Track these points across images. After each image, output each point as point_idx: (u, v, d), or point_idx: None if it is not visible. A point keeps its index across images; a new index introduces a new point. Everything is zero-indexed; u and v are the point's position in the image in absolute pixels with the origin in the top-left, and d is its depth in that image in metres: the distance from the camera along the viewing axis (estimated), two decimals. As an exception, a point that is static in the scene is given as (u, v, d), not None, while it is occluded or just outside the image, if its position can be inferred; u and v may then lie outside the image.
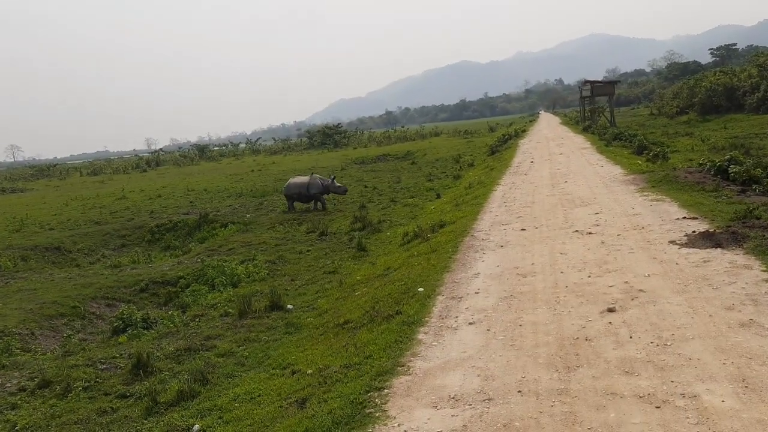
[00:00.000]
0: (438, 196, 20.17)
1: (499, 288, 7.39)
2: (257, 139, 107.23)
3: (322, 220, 17.52)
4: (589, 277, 7.32)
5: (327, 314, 8.70)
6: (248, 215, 20.40)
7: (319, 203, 20.58)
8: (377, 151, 48.01)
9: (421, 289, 7.84)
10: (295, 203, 20.74)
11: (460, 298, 7.24)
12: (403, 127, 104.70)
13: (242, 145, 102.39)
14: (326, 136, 72.84)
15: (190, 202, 25.51)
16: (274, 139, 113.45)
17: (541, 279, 7.52)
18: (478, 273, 8.21)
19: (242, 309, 9.39)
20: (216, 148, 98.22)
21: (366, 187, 25.59)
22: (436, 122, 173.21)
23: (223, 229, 18.63)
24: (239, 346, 8.00)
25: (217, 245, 15.83)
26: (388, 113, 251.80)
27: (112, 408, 6.73)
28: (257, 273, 12.46)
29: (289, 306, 9.56)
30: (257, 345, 7.96)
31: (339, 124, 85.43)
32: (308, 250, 14.11)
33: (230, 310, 9.76)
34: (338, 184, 21.17)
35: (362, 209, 18.59)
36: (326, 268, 12.17)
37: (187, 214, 21.96)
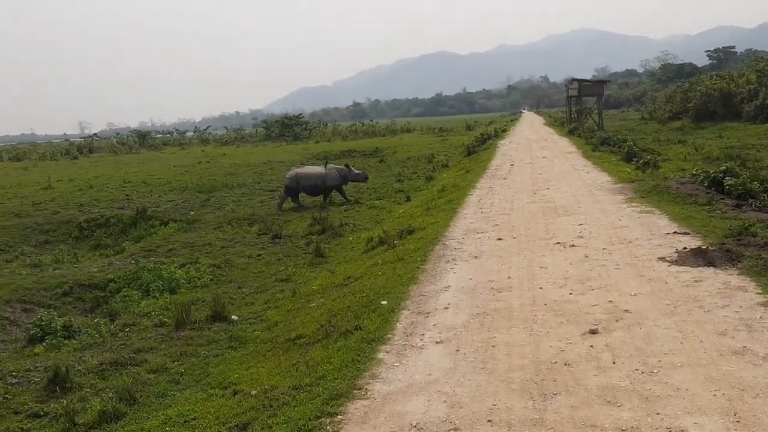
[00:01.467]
0: (408, 199, 20.18)
1: (471, 303, 7.37)
2: (207, 128, 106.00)
3: (276, 221, 17.36)
4: (571, 294, 7.35)
5: (277, 328, 8.59)
6: (192, 212, 20.13)
7: (329, 196, 20.69)
8: (342, 146, 47.88)
9: (384, 302, 7.79)
10: (289, 196, 20.50)
11: (428, 313, 7.20)
12: (371, 120, 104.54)
13: (189, 134, 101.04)
14: (285, 127, 72.38)
15: (126, 195, 25.04)
16: (227, 129, 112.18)
17: (517, 295, 7.52)
18: (449, 286, 8.19)
19: (180, 319, 9.20)
20: (159, 136, 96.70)
21: (327, 185, 25.36)
22: (409, 117, 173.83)
23: (162, 227, 18.31)
24: (174, 362, 7.83)
25: (154, 245, 15.55)
26: (356, 105, 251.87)
27: (22, 429, 6.48)
28: (199, 278, 12.26)
29: (234, 317, 9.42)
30: (195, 360, 7.81)
31: (300, 114, 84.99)
32: (259, 255, 13.96)
33: (166, 320, 9.56)
34: (356, 171, 21.21)
35: (323, 210, 18.49)
36: (279, 276, 12.05)
37: (122, 208, 21.53)
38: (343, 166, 21.31)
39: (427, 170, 28.32)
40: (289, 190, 20.49)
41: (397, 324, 6.94)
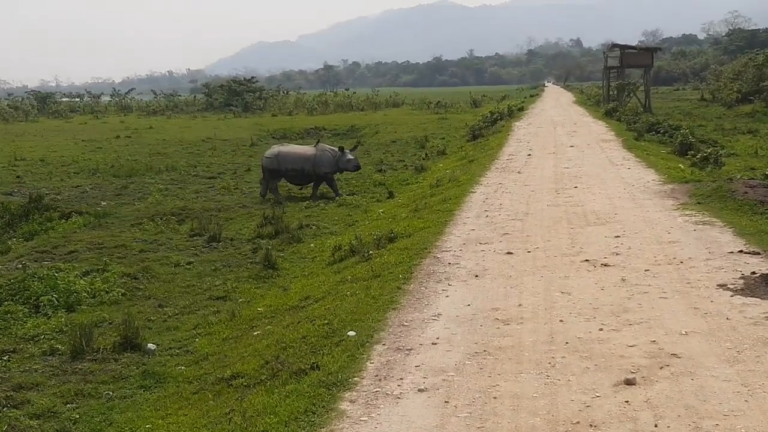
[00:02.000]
0: (390, 196, 20.12)
1: (467, 339, 7.29)
2: (129, 91, 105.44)
3: (213, 219, 17.23)
4: (601, 330, 7.29)
5: (207, 362, 8.50)
6: (104, 203, 20.00)
7: (319, 187, 20.77)
8: (307, 122, 47.87)
9: (351, 333, 7.72)
10: (267, 183, 20.59)
11: (409, 350, 7.12)
12: (347, 90, 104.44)
13: (106, 98, 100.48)
14: (233, 94, 72.20)
15: (17, 177, 24.85)
16: (155, 93, 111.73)
17: (530, 329, 7.46)
18: (439, 314, 8.12)
19: (78, 345, 9.07)
20: (65, 100, 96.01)
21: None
22: (397, 87, 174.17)
23: (63, 221, 18.12)
24: (66, 404, 7.71)
25: (50, 245, 15.36)
26: (328, 68, 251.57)
27: None
28: (107, 292, 12.07)
29: (151, 345, 9.32)
30: (94, 403, 7.69)
31: (253, 77, 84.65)
32: (189, 263, 13.85)
33: (59, 347, 9.41)
34: (349, 156, 21.02)
35: (277, 207, 18.38)
36: (213, 292, 11.96)
37: (10, 194, 21.33)
38: (336, 149, 21.21)
39: (418, 158, 28.30)
40: (268, 173, 20.53)
41: (368, 363, 6.85)
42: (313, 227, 16.53)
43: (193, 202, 20.05)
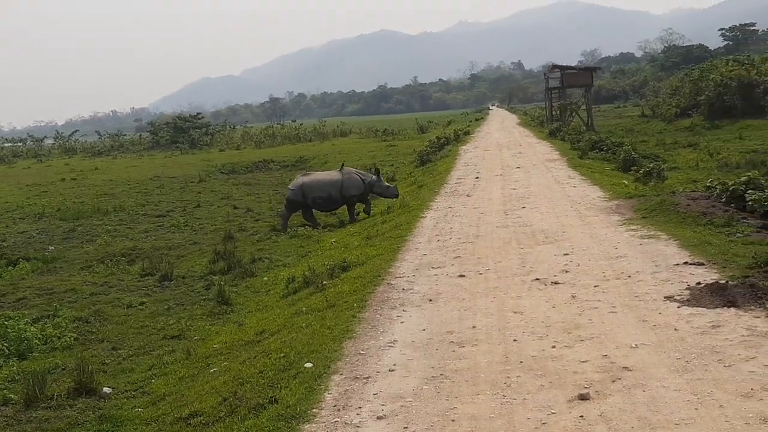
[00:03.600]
0: (342, 224, 20.12)
1: (424, 363, 7.32)
2: (72, 133, 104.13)
3: (166, 257, 17.07)
4: (554, 347, 7.37)
5: (164, 402, 8.38)
6: (51, 247, 19.69)
7: (354, 213, 20.89)
8: (256, 156, 47.74)
9: (309, 365, 7.69)
10: (293, 213, 20.68)
11: (367, 378, 7.12)
12: (294, 121, 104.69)
13: (49, 141, 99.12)
14: (179, 131, 71.81)
15: (-39, 225, 24.28)
16: (100, 134, 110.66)
17: (485, 350, 7.51)
18: (395, 340, 8.13)
19: (31, 393, 8.87)
20: (8, 145, 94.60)
21: (236, 208, 25.34)
22: (344, 116, 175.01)
23: (10, 268, 17.79)
24: (22, 454, 7.53)
25: (-2, 293, 15.07)
26: (274, 101, 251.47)
27: None
28: (59, 337, 11.86)
29: (107, 389, 9.16)
30: (51, 451, 7.52)
31: (199, 113, 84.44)
32: (142, 303, 13.66)
33: (12, 396, 9.21)
34: (386, 184, 21.20)
35: (228, 242, 18.26)
36: (168, 331, 11.79)
37: (-45, 243, 20.85)
38: (366, 172, 21.52)
39: (367, 186, 28.30)
40: (293, 205, 20.53)
41: (326, 394, 6.84)
42: (266, 260, 16.42)
43: (143, 242, 19.83)
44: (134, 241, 20.05)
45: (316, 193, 20.36)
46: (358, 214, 20.99)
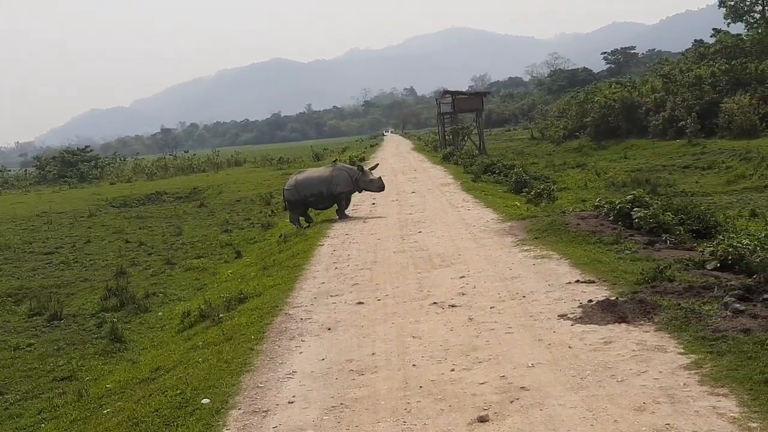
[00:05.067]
0: (238, 255, 19.98)
1: (323, 393, 7.26)
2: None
3: (53, 296, 16.54)
4: (453, 371, 7.41)
5: (55, 448, 8.05)
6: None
7: (344, 210, 20.72)
8: (148, 188, 46.90)
9: (205, 401, 7.54)
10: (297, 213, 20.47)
11: (266, 411, 7.01)
12: (187, 152, 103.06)
13: None
14: (67, 165, 70.00)
15: None
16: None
17: (385, 377, 7.50)
18: (294, 371, 8.05)
19: None
20: None
21: (128, 242, 24.79)
22: (237, 146, 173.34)
23: None
24: None
25: None
26: (165, 132, 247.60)
27: None
28: (-60, 385, 11.36)
29: (-7, 438, 8.78)
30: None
31: (88, 146, 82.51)
32: (30, 344, 13.30)
33: None
34: (371, 177, 20.79)
35: (120, 277, 17.86)
36: (58, 372, 11.52)
37: None
38: (354, 167, 21.18)
39: (263, 215, 28.23)
40: (292, 204, 20.53)
41: (224, 430, 6.72)
42: (161, 295, 16.23)
43: (31, 281, 19.16)
44: (21, 280, 19.35)
45: (309, 191, 20.39)
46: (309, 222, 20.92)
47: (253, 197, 35.81)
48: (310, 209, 21.18)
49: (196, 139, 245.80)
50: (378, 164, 21.62)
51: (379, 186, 20.97)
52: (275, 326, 10.07)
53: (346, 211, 20.99)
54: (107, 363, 11.65)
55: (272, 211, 28.95)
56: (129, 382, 9.80)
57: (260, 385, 7.78)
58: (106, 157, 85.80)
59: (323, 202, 20.81)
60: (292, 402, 7.15)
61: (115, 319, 13.83)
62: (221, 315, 11.58)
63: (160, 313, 14.48)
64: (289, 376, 7.93)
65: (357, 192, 21.16)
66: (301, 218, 20.88)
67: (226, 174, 56.59)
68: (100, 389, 9.96)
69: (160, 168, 70.98)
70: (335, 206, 21.07)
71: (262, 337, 9.59)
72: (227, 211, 31.51)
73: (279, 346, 9.08)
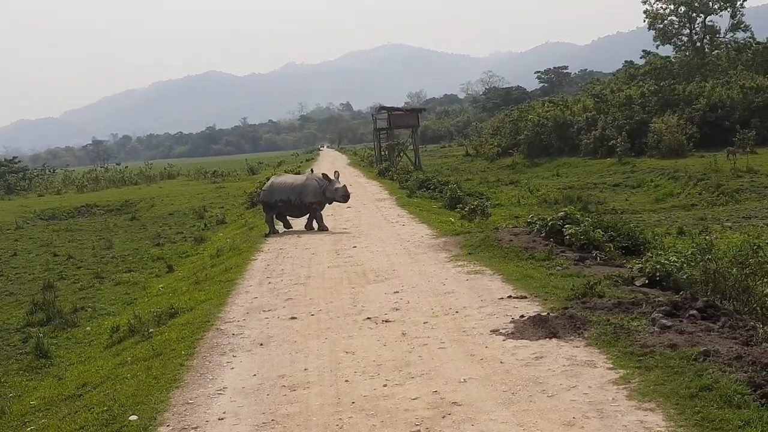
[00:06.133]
0: (170, 269, 19.68)
1: (255, 410, 7.18)
2: None
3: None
4: (385, 386, 7.40)
5: (-25, 468, 7.81)
6: None
7: (312, 221, 20.31)
8: (78, 200, 46.01)
9: (134, 418, 7.39)
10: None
11: (196, 428, 6.91)
12: (119, 164, 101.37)
13: None
14: (-6, 177, 68.20)
15: None
16: None
17: (317, 392, 7.45)
18: (225, 387, 7.95)
19: None
20: None
21: (57, 255, 24.24)
22: (171, 158, 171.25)
23: None
24: None
25: None
26: (97, 143, 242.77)
27: None
28: None
29: None
30: None
31: (15, 157, 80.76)
32: (-51, 362, 12.82)
33: None
34: (336, 185, 20.20)
35: (47, 291, 17.48)
36: (-20, 390, 11.11)
37: None
38: (321, 176, 20.69)
39: (197, 229, 28.02)
40: (266, 206, 20.34)
41: (152, 448, 6.57)
42: (89, 309, 15.91)
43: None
44: (-58, 294, 18.80)
45: (279, 196, 20.23)
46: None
47: (186, 210, 35.47)
48: (288, 215, 20.99)
49: (129, 152, 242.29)
50: (338, 172, 21.23)
51: (343, 194, 20.45)
52: (206, 341, 9.94)
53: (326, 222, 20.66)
54: (32, 379, 11.37)
55: (205, 225, 28.70)
56: (54, 399, 9.59)
57: (190, 401, 7.65)
58: (35, 169, 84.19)
59: (291, 209, 20.59)
60: (222, 419, 7.05)
61: (41, 334, 13.50)
62: (151, 330, 11.43)
63: (88, 328, 14.18)
64: (219, 392, 7.82)
65: (327, 203, 20.78)
66: (280, 222, 20.88)
67: (158, 187, 55.90)
68: (24, 406, 9.71)
69: (90, 180, 69.69)
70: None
71: (192, 353, 9.45)
72: (159, 225, 31.13)
73: (210, 362, 8.96)
